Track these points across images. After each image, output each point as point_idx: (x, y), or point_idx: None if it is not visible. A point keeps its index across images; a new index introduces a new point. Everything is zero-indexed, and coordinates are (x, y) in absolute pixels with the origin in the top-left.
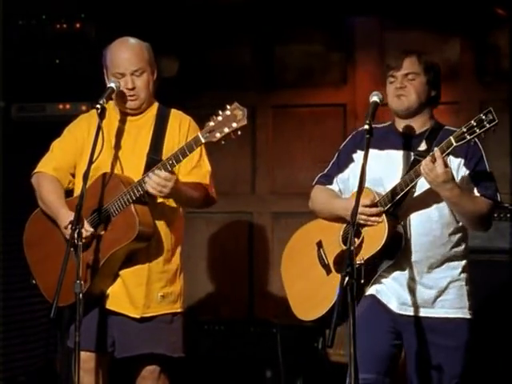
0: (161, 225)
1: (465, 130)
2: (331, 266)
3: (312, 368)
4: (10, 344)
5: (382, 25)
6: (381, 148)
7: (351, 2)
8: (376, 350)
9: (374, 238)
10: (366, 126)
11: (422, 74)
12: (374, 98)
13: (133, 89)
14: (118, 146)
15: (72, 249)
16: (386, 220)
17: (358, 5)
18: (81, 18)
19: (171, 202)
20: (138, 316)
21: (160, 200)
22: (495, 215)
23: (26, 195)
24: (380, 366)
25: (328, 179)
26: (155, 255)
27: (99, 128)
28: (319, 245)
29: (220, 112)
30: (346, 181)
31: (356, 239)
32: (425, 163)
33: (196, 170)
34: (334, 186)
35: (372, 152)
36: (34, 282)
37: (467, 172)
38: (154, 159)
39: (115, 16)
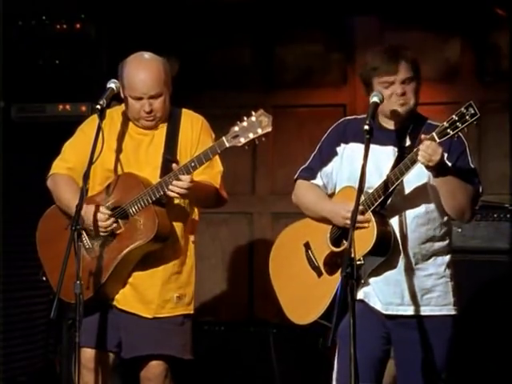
0: (177, 227)
1: (447, 125)
2: (321, 268)
3: (312, 368)
4: (10, 344)
5: (382, 25)
6: (364, 142)
7: (351, 2)
8: (368, 358)
9: (364, 238)
10: (366, 127)
11: (414, 75)
12: (374, 98)
13: (150, 112)
14: (132, 146)
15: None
16: (373, 220)
17: (358, 5)
18: (81, 18)
19: (187, 206)
20: (150, 316)
21: (177, 201)
22: (495, 215)
23: (26, 195)
24: (372, 374)
25: (311, 173)
26: (171, 257)
27: (99, 128)
28: (307, 246)
29: (245, 118)
30: (330, 174)
31: (345, 241)
32: (424, 147)
33: (209, 169)
34: (318, 181)
35: (355, 146)
36: (44, 278)
37: (449, 165)
38: (169, 160)
39: (115, 16)
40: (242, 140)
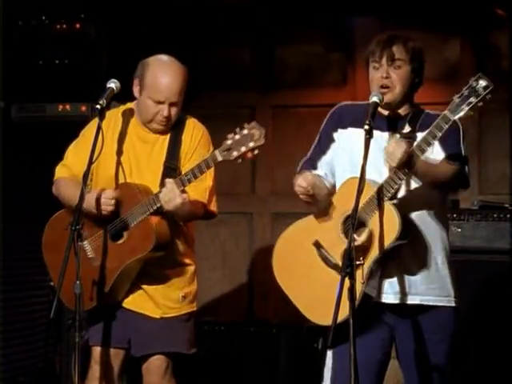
0: (178, 231)
1: (458, 101)
2: (340, 265)
3: (312, 368)
4: (9, 344)
5: (382, 25)
6: (363, 126)
7: (351, 2)
8: (369, 362)
9: (386, 229)
10: (366, 127)
11: (408, 62)
12: (374, 98)
13: (167, 117)
14: (133, 153)
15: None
16: (393, 208)
17: (358, 5)
18: (80, 18)
19: None
20: (158, 316)
21: None
22: (495, 215)
23: (26, 195)
24: (373, 377)
25: (312, 164)
26: (174, 258)
27: (99, 128)
28: (317, 245)
29: (238, 130)
30: (330, 162)
31: (363, 234)
32: (388, 144)
33: (197, 183)
34: (319, 171)
35: (354, 131)
36: (51, 283)
37: (441, 148)
38: (170, 168)
39: (115, 16)
40: (235, 153)
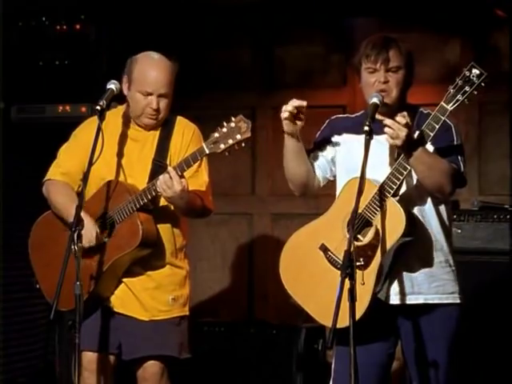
0: (166, 230)
1: (453, 91)
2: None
3: (312, 369)
4: (9, 345)
5: (382, 26)
6: (359, 132)
7: (351, 3)
8: (372, 363)
9: (392, 224)
10: (366, 128)
11: (404, 65)
12: (374, 99)
13: (156, 110)
14: (124, 153)
15: (74, 247)
16: (397, 203)
17: (358, 6)
18: (81, 19)
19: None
20: (146, 319)
21: (164, 204)
22: (495, 216)
23: (26, 196)
24: (375, 379)
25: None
26: (163, 259)
27: (99, 129)
28: (324, 248)
29: (225, 123)
30: (328, 161)
31: (369, 233)
32: (390, 123)
33: (193, 179)
34: (311, 159)
35: (348, 137)
36: (37, 286)
37: (433, 146)
38: (159, 165)
39: (115, 17)
40: (222, 146)
